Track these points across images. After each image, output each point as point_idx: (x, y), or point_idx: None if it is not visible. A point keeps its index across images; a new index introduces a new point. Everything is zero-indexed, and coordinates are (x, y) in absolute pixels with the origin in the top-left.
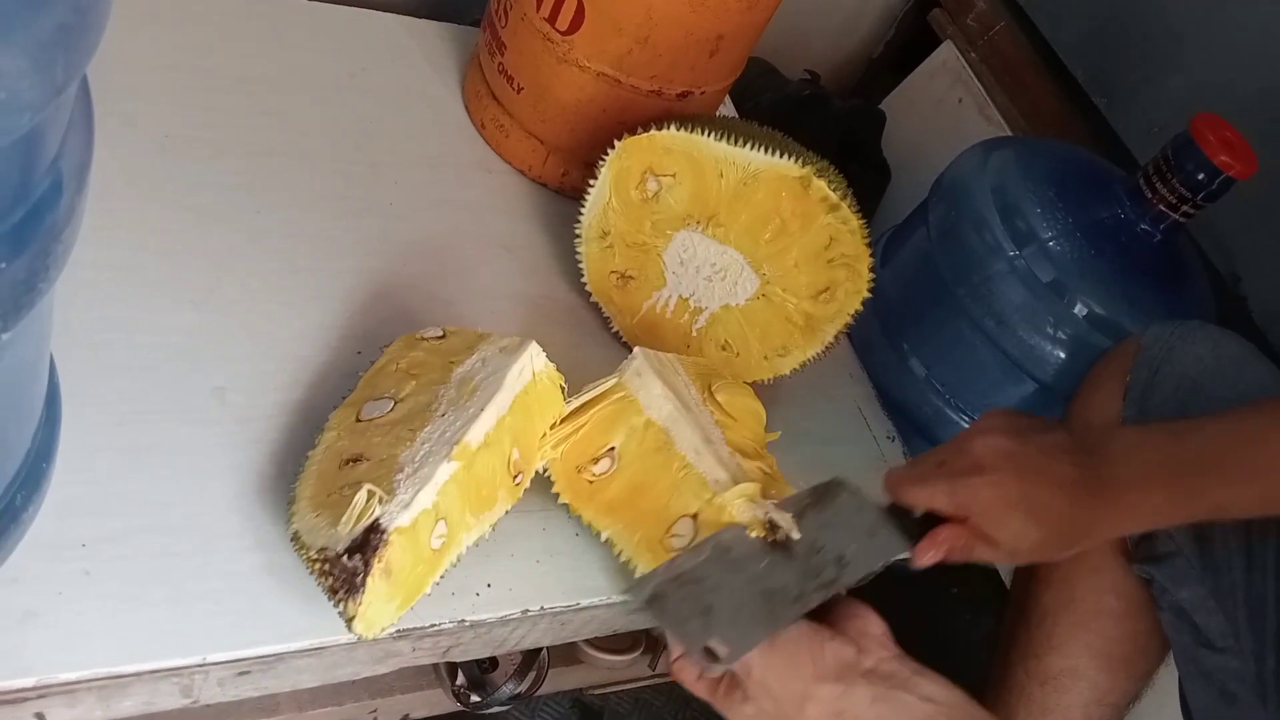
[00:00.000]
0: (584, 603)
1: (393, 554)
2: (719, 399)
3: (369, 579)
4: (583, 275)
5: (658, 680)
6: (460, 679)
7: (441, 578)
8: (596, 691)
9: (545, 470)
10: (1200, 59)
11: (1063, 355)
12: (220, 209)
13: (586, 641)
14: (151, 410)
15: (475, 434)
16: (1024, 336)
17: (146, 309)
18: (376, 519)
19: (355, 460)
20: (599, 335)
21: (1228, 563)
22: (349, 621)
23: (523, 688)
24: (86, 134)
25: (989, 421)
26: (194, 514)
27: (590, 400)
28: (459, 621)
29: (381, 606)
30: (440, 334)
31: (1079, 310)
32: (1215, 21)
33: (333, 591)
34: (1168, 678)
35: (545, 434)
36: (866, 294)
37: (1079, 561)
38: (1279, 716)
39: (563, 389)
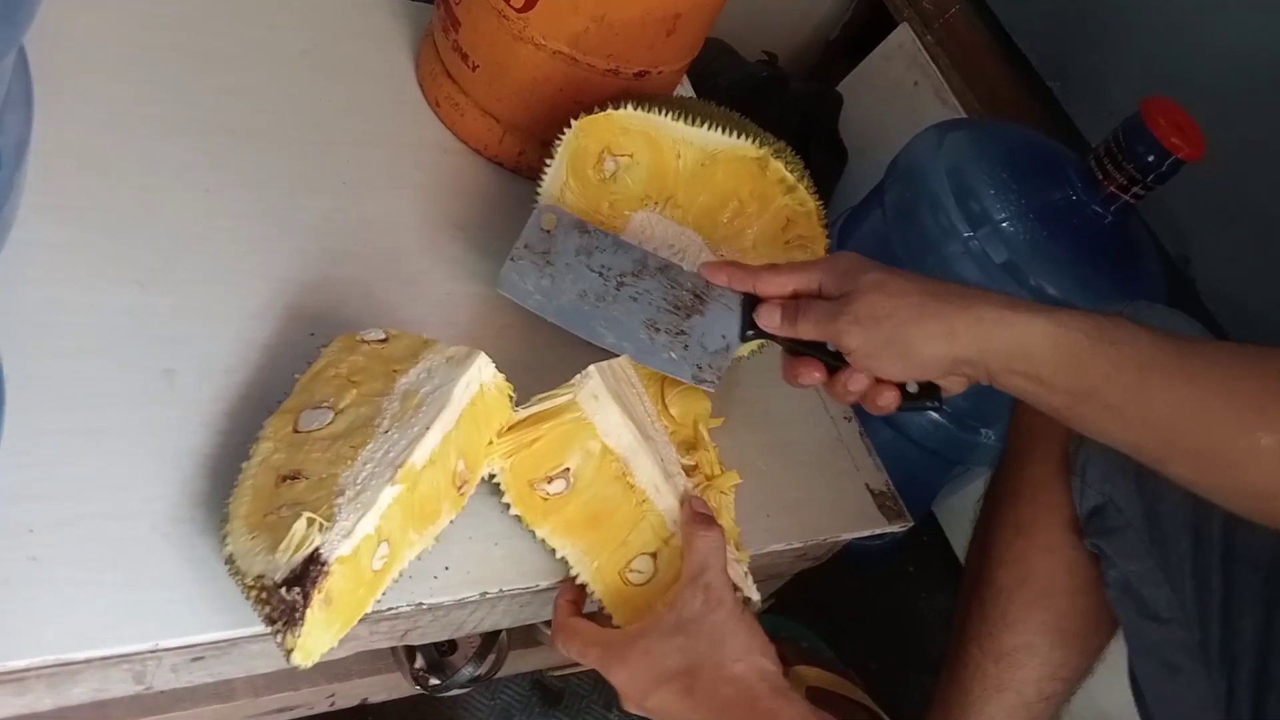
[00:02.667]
0: (542, 585)
1: (333, 583)
2: (673, 413)
3: (309, 611)
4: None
5: None
6: (419, 662)
7: (383, 594)
8: (557, 673)
9: (493, 478)
10: (1152, 44)
11: None
12: (170, 187)
13: (546, 623)
14: (100, 393)
15: (420, 454)
16: None
17: (94, 289)
18: (317, 549)
19: (293, 477)
20: None
21: (1175, 536)
22: (287, 653)
23: (482, 670)
24: (26, 109)
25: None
26: (144, 498)
27: (542, 413)
28: (416, 605)
29: (320, 634)
30: (383, 337)
31: (1032, 291)
32: (1168, 7)
33: (270, 620)
34: (1118, 652)
35: (492, 441)
36: None
37: (1032, 540)
38: (1223, 685)
39: (511, 398)
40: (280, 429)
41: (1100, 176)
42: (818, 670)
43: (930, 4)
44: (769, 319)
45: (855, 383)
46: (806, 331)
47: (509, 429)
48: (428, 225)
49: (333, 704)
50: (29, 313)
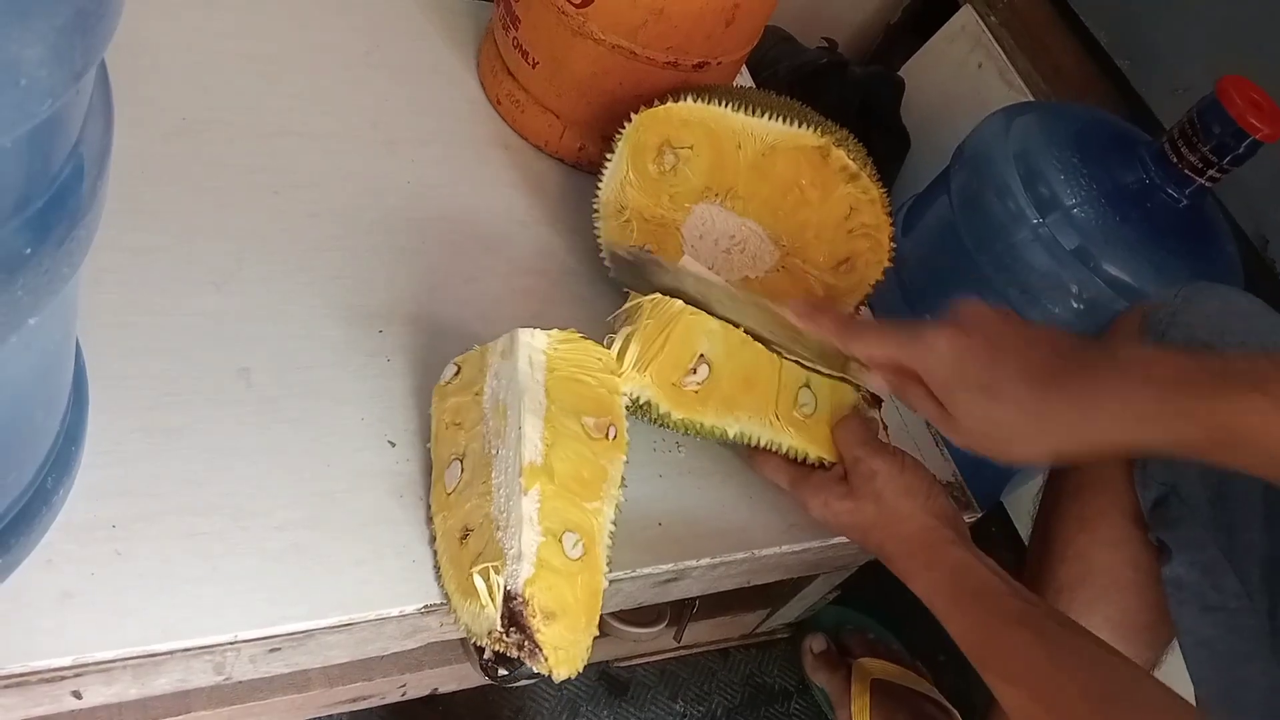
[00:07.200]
0: (607, 576)
1: (541, 601)
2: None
3: (538, 636)
4: (601, 250)
5: (683, 652)
6: (488, 654)
7: (610, 564)
8: (623, 664)
9: (639, 399)
10: (1225, 18)
11: (1088, 323)
12: (240, 191)
13: (612, 614)
14: (178, 392)
15: (529, 452)
16: (1048, 305)
17: (170, 292)
18: (505, 589)
19: (465, 535)
20: (618, 309)
21: (1244, 521)
22: (549, 674)
23: None
24: (106, 119)
25: (982, 302)
26: (222, 493)
27: (657, 321)
28: None
29: (571, 638)
30: (455, 370)
31: (1104, 277)
32: None
33: (520, 659)
34: None
35: (617, 374)
36: (887, 264)
37: (1095, 535)
38: None
39: (583, 337)
40: (439, 498)
41: (1174, 159)
42: (883, 663)
43: None
44: (876, 383)
45: None
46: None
47: (626, 350)
48: (490, 222)
49: (404, 694)
50: (109, 315)
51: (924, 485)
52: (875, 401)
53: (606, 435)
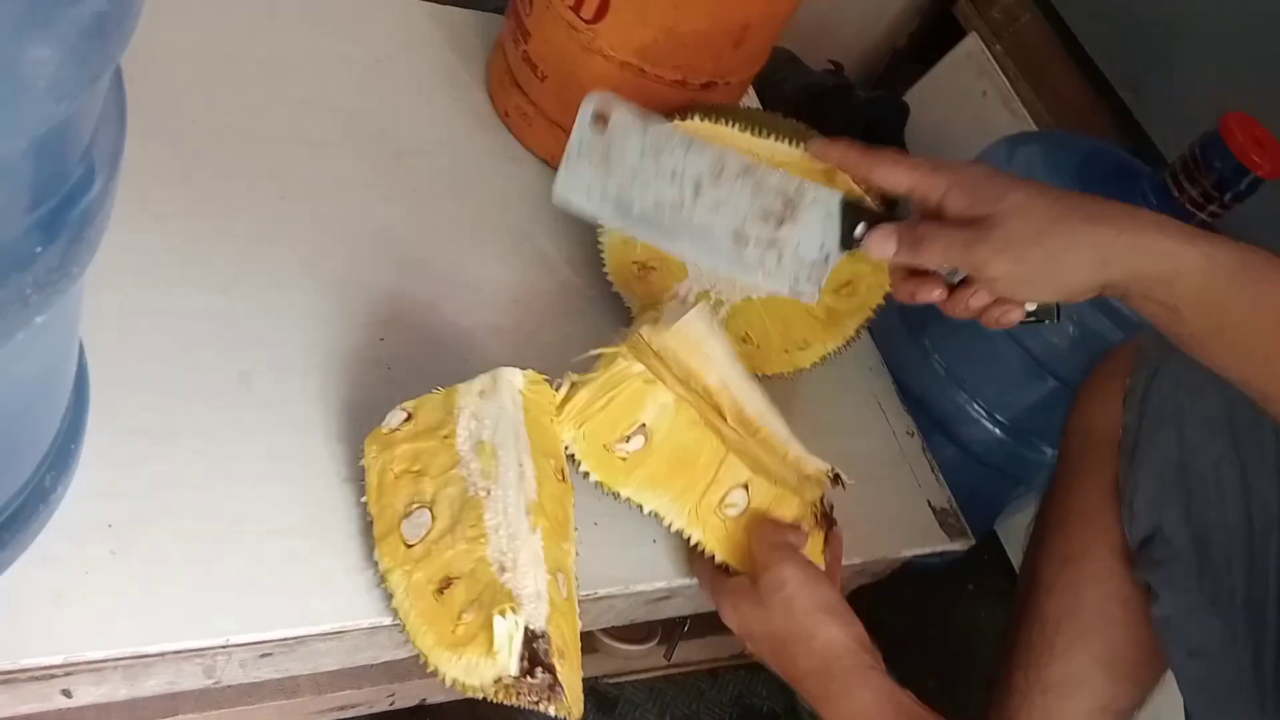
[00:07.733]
0: (601, 592)
1: (555, 640)
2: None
3: (560, 675)
4: (604, 265)
5: (673, 670)
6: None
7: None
8: (612, 680)
9: (567, 449)
10: (1229, 54)
11: (1085, 354)
12: (247, 196)
13: (603, 630)
14: (179, 394)
15: (532, 489)
16: (1045, 333)
17: (175, 294)
18: (528, 628)
19: (446, 585)
20: (620, 326)
21: (1227, 567)
22: (567, 715)
23: None
24: (119, 122)
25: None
26: (219, 497)
27: (608, 380)
28: None
29: (571, 678)
30: (406, 415)
31: (1100, 308)
32: (1244, 16)
33: (534, 704)
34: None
35: (555, 421)
36: (889, 288)
37: (1082, 569)
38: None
39: (548, 381)
40: (395, 553)
41: (1175, 192)
42: None
43: (1000, 13)
44: (882, 249)
45: (978, 299)
46: (933, 261)
47: (563, 400)
48: (495, 233)
49: (392, 703)
50: (114, 316)
51: (838, 604)
52: (825, 521)
53: (563, 477)
